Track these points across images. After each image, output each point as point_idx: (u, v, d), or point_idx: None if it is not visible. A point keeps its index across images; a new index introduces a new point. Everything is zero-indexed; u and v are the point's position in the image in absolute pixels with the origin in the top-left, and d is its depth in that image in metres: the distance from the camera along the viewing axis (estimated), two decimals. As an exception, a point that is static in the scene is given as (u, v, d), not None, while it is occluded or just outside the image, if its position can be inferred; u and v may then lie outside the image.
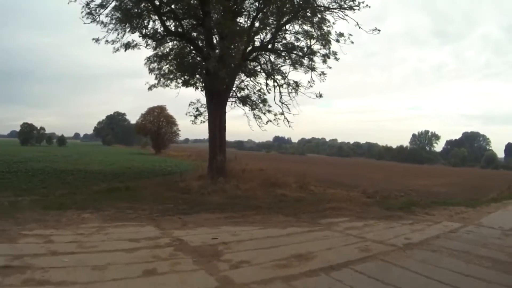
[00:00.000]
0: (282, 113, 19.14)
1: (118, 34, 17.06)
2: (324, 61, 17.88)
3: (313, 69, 18.12)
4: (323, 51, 17.74)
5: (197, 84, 18.97)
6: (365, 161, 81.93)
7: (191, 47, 18.68)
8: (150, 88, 19.26)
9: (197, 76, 18.52)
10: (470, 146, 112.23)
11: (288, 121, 19.25)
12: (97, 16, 16.36)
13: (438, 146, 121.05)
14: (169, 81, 19.26)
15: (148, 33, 17.59)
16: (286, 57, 18.67)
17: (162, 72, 19.27)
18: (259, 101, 19.69)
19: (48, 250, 6.50)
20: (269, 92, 19.30)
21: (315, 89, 18.47)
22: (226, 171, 17.98)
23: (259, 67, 19.40)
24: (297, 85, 18.39)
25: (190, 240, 7.61)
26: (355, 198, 15.11)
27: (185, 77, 18.77)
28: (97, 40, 16.87)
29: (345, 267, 6.36)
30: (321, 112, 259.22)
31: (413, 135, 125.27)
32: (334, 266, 6.35)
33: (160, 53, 19.01)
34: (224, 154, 18.38)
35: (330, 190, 17.86)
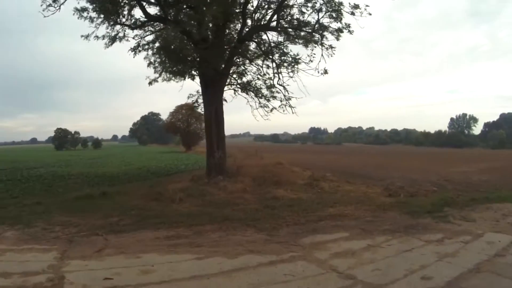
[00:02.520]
0: (285, 98, 16.52)
1: (107, 28, 15.03)
2: (338, 37, 15.00)
3: (321, 44, 15.17)
4: (335, 25, 14.86)
5: (192, 73, 16.82)
6: (402, 148, 77.07)
7: (179, 33, 15.79)
8: (150, 83, 16.97)
9: (189, 64, 16.13)
10: (509, 128, 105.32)
11: (291, 107, 16.62)
12: (57, 7, 13.86)
13: (477, 129, 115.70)
14: (168, 74, 17.17)
15: (126, 22, 15.09)
16: (292, 34, 15.63)
17: (161, 65, 17.02)
18: (264, 87, 17.06)
19: None
20: (274, 76, 16.50)
21: (324, 67, 15.32)
22: (225, 169, 15.57)
23: (258, 48, 16.78)
24: (295, 61, 15.12)
25: (74, 279, 5.30)
26: (372, 198, 11.37)
27: (178, 67, 16.40)
28: (86, 36, 14.95)
29: None
30: (357, 100, 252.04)
31: (451, 119, 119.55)
32: None
33: (144, 43, 16.32)
34: (223, 149, 15.92)
35: (346, 186, 14.22)
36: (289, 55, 15.66)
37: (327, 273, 5.41)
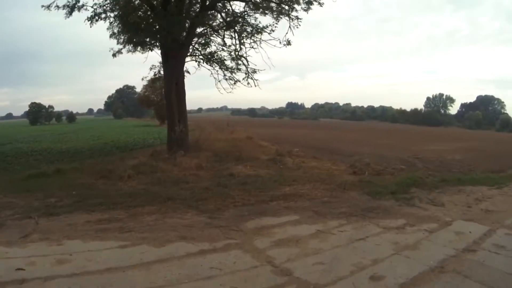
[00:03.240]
0: (247, 70, 15.45)
1: None
2: (307, 9, 14.09)
3: (288, 15, 14.19)
4: None
5: (151, 44, 15.51)
6: (377, 125, 76.72)
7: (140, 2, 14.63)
8: (114, 55, 15.51)
9: (147, 34, 14.77)
10: (485, 110, 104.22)
11: (253, 80, 15.51)
12: None
13: (453, 109, 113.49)
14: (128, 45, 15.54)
15: None
16: (260, 5, 14.44)
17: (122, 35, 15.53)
18: (229, 58, 15.86)
19: None
20: (237, 47, 15.36)
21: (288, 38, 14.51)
22: (187, 144, 14.60)
23: (221, 18, 15.48)
24: (256, 30, 14.27)
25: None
26: (335, 175, 10.47)
27: (136, 37, 14.79)
28: (48, 7, 13.18)
29: None
30: (335, 77, 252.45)
31: (428, 98, 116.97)
32: None
33: (99, 11, 14.35)
34: (185, 123, 14.86)
35: (311, 162, 13.28)
36: (249, 25, 14.70)
37: (261, 266, 4.46)
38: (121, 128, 44.90)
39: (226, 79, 15.99)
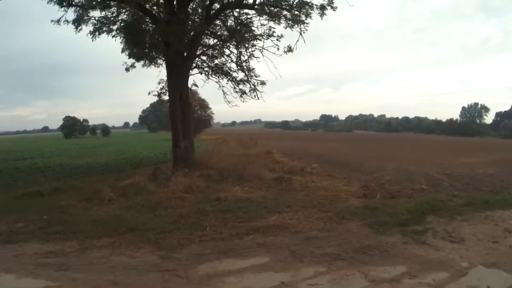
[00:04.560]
0: (247, 80, 14.78)
1: (73, 12, 12.94)
2: (322, 14, 12.91)
3: (299, 22, 12.97)
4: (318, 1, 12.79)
5: (153, 56, 15.12)
6: (412, 136, 73.37)
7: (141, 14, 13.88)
8: (127, 69, 15.03)
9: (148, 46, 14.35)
10: None
11: (255, 91, 14.77)
12: None
13: (488, 119, 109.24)
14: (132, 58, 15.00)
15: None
16: (272, 13, 13.36)
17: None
18: (240, 69, 14.93)
19: None
20: (239, 56, 14.56)
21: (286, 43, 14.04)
22: (192, 160, 13.58)
23: (223, 26, 14.75)
24: (254, 36, 13.46)
25: None
26: (340, 199, 8.80)
27: (139, 49, 14.48)
28: (57, 21, 12.74)
29: None
30: (369, 89, 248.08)
31: (463, 108, 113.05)
32: None
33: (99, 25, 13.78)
34: (189, 139, 13.96)
35: (322, 181, 11.71)
36: (249, 31, 13.71)
37: None
38: (150, 142, 45.13)
39: (236, 92, 15.24)
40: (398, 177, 12.11)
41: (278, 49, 13.24)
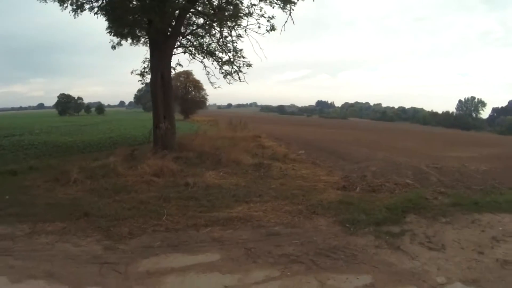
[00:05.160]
0: (231, 61, 14.17)
1: None
2: None
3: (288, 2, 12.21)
4: None
5: (137, 34, 14.45)
6: (407, 126, 72.93)
7: None
8: (113, 47, 14.55)
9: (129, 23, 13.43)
10: None
11: (238, 73, 14.21)
12: None
13: (485, 113, 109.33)
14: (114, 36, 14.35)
15: None
16: None
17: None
18: (224, 50, 14.37)
19: None
20: (221, 35, 14.09)
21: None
22: (173, 142, 13.07)
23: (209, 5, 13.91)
24: (236, 14, 12.72)
25: None
26: (317, 190, 8.16)
27: (120, 28, 13.75)
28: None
29: None
30: (367, 76, 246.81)
31: (460, 101, 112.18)
32: None
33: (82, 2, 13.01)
34: (171, 120, 13.42)
35: (302, 169, 11.04)
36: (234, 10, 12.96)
37: None
38: (142, 122, 44.04)
39: (221, 73, 14.58)
40: (385, 169, 11.54)
41: (259, 27, 12.66)
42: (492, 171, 11.70)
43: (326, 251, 4.68)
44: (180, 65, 15.22)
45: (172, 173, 9.51)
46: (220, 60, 14.34)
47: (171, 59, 13.54)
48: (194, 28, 14.73)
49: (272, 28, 12.35)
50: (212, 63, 14.69)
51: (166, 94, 13.21)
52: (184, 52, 14.73)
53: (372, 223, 5.79)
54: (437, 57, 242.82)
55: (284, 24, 12.44)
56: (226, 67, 14.24)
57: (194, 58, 15.01)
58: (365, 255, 4.65)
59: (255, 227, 5.60)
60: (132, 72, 14.86)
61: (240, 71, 14.01)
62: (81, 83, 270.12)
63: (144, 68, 14.64)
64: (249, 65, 14.09)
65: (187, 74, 57.23)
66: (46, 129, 29.06)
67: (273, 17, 12.58)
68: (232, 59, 14.10)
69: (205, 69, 14.98)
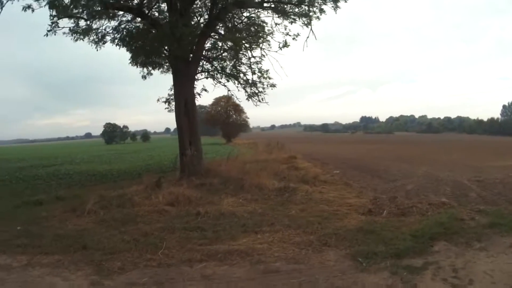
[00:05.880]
0: (254, 82, 14.25)
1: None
2: (336, 7, 12.34)
3: (307, 16, 12.48)
4: None
5: (157, 62, 14.60)
6: (453, 137, 69.56)
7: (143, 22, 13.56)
8: (144, 77, 15.05)
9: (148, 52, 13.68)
10: None
11: (258, 94, 14.47)
12: None
13: None
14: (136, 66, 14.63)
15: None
16: (284, 10, 12.73)
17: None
18: (253, 72, 14.24)
19: None
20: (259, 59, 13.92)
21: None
22: (200, 168, 12.85)
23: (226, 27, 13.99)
24: (257, 30, 13.07)
25: None
26: (338, 216, 7.39)
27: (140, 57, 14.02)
28: (49, 31, 12.05)
29: None
30: (407, 88, 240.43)
31: (503, 106, 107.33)
32: None
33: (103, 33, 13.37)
34: (197, 146, 13.25)
35: (331, 192, 10.26)
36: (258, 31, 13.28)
37: None
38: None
39: (249, 97, 14.78)
40: (422, 186, 10.75)
41: (269, 45, 12.90)
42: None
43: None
44: (205, 90, 15.24)
45: (189, 201, 9.11)
46: (245, 82, 14.34)
47: (193, 84, 13.62)
48: (220, 53, 14.69)
49: (285, 45, 12.39)
50: (237, 86, 14.75)
51: (191, 120, 13.12)
52: (207, 77, 14.81)
53: (391, 255, 4.98)
54: (476, 63, 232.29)
55: (306, 40, 12.26)
56: (248, 89, 14.31)
57: (218, 82, 15.08)
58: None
59: (254, 262, 4.97)
60: (158, 100, 14.98)
61: (260, 93, 14.13)
62: (124, 113, 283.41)
63: (169, 95, 14.67)
64: (273, 85, 14.02)
65: (227, 99, 58.28)
66: (88, 158, 29.89)
67: (298, 34, 12.60)
68: (258, 80, 14.08)
69: (228, 92, 15.22)
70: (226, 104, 58.43)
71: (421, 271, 4.45)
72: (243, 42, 13.03)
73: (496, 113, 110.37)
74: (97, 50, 13.36)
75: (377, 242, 5.51)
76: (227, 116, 59.21)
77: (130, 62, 14.15)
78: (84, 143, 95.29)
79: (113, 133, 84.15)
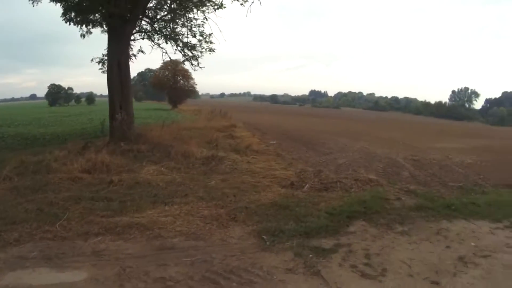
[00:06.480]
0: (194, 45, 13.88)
1: None
2: None
3: None
4: None
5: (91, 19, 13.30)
6: (398, 116, 72.67)
7: None
8: (83, 36, 13.58)
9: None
10: (510, 105, 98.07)
11: (191, 59, 14.22)
12: None
13: (478, 104, 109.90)
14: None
15: None
16: None
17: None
18: (193, 35, 13.76)
19: None
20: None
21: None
22: (131, 133, 12.20)
23: None
24: None
25: None
26: (261, 187, 7.15)
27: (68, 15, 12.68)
28: None
29: None
30: (360, 66, 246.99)
31: (453, 92, 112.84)
32: None
33: None
34: (129, 111, 12.44)
35: (259, 163, 9.98)
36: None
37: None
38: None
39: (188, 60, 14.45)
40: (355, 161, 10.81)
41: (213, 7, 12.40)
42: (478, 165, 10.89)
43: (217, 275, 3.64)
44: (142, 51, 14.47)
45: (107, 169, 8.47)
46: (184, 45, 13.86)
47: (129, 45, 12.85)
48: (164, 14, 13.93)
49: (221, 5, 12.05)
50: (175, 49, 14.24)
51: (123, 82, 12.30)
52: (143, 38, 14.04)
53: (300, 233, 4.72)
54: (431, 47, 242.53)
55: (250, 6, 11.73)
56: (189, 52, 13.86)
57: (156, 44, 14.37)
58: (266, 282, 3.60)
59: (152, 237, 4.57)
60: (92, 60, 14.01)
61: (195, 58, 13.89)
62: (73, 73, 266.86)
63: (103, 55, 13.68)
64: (211, 50, 13.69)
65: (176, 64, 56.53)
66: (27, 121, 27.99)
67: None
68: (198, 44, 13.69)
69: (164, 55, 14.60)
70: (174, 68, 56.49)
71: (329, 254, 4.16)
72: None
73: (445, 98, 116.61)
74: (33, 6, 12.33)
75: (289, 218, 5.26)
76: (174, 81, 57.11)
77: (63, 19, 12.81)
78: (28, 104, 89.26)
79: (57, 95, 79.64)
